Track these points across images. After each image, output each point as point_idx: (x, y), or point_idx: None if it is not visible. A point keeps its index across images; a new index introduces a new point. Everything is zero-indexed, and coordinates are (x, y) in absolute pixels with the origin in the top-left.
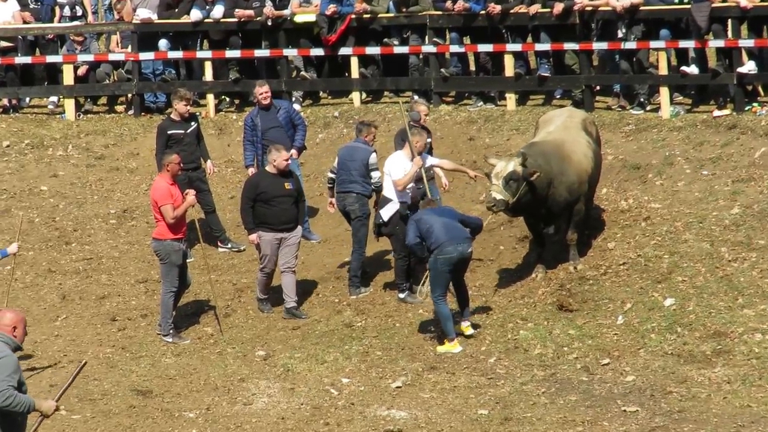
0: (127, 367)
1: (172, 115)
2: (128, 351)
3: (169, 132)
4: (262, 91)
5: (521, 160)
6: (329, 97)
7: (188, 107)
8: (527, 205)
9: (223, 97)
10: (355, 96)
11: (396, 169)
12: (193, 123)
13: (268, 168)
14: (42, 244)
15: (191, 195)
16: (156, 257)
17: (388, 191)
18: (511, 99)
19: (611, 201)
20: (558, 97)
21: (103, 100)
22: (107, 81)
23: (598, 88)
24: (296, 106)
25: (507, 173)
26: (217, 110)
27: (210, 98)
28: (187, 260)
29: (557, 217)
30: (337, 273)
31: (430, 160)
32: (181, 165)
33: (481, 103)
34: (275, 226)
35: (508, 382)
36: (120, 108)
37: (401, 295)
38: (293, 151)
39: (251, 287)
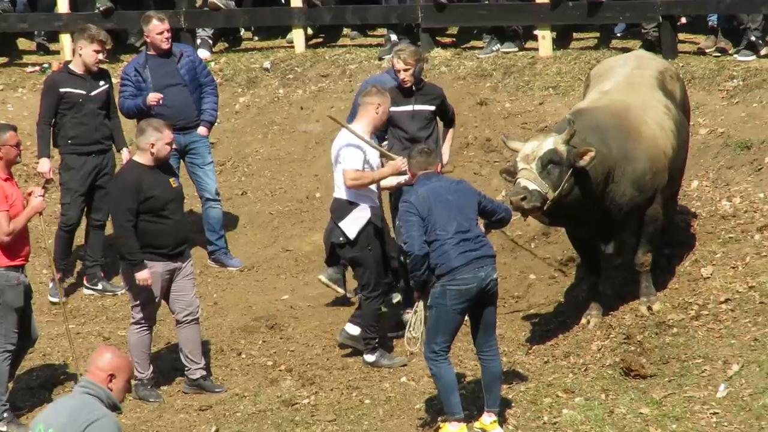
0: None
1: (71, 65)
2: None
3: (62, 90)
4: (162, 28)
5: (566, 134)
6: (256, 39)
7: (100, 56)
8: (573, 208)
9: None
10: (297, 36)
11: (351, 155)
12: (102, 83)
13: (140, 158)
14: None
15: (37, 195)
16: None
17: (344, 191)
18: (545, 39)
19: (706, 201)
20: (619, 35)
21: None
22: None
23: (683, 20)
24: (203, 54)
25: (545, 153)
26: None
27: (65, 41)
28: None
29: (620, 229)
30: (270, 318)
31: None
32: (19, 148)
33: (498, 45)
34: (168, 250)
35: None
36: None
37: (369, 358)
38: (201, 128)
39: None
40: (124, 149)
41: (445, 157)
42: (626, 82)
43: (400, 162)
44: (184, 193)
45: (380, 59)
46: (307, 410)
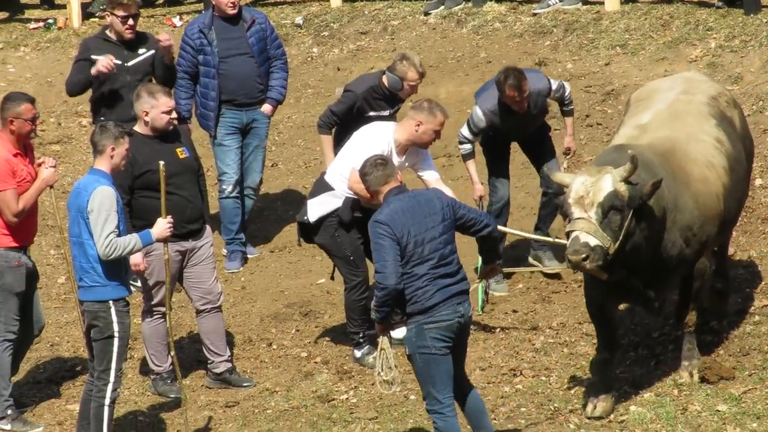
0: None
1: (108, 31)
2: None
3: (93, 57)
4: None
5: (626, 170)
6: None
7: (131, 23)
8: (630, 257)
9: None
10: None
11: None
12: (142, 50)
13: (138, 128)
14: None
15: (48, 166)
16: None
17: (334, 177)
18: None
19: None
20: None
21: None
22: None
23: None
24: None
25: (605, 198)
26: (86, 15)
27: None
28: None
29: (665, 283)
30: (304, 305)
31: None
32: (35, 122)
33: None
34: (176, 230)
35: None
36: None
37: (356, 353)
38: (266, 105)
39: None
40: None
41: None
42: (669, 111)
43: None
44: (197, 164)
45: (426, 14)
46: (346, 407)
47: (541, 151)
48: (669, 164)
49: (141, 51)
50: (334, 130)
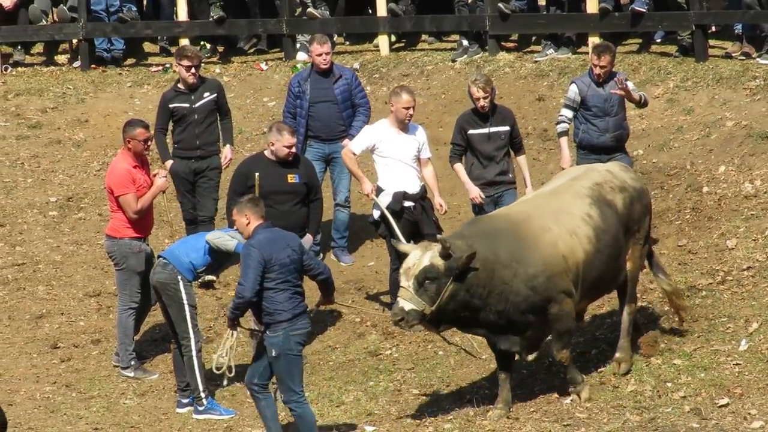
0: (74, 411)
1: (178, 83)
2: (75, 389)
3: (171, 105)
4: (321, 50)
5: (442, 250)
6: (347, 43)
7: (194, 71)
8: (458, 313)
9: (202, 43)
10: (382, 41)
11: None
12: (206, 94)
13: (266, 152)
14: None
15: (161, 176)
16: (110, 261)
17: (386, 177)
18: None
19: (731, 183)
20: (659, 41)
21: (39, 47)
22: (44, 22)
23: (714, 28)
24: (301, 56)
25: (420, 271)
26: None
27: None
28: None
29: (524, 327)
30: (358, 282)
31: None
32: (147, 143)
33: (553, 50)
34: None
35: (591, 431)
36: (62, 58)
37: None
38: (345, 140)
39: None
40: (228, 146)
41: (528, 185)
42: (551, 191)
43: (367, 187)
44: (306, 189)
45: (453, 61)
46: (389, 360)
47: None
48: (518, 230)
49: (205, 95)
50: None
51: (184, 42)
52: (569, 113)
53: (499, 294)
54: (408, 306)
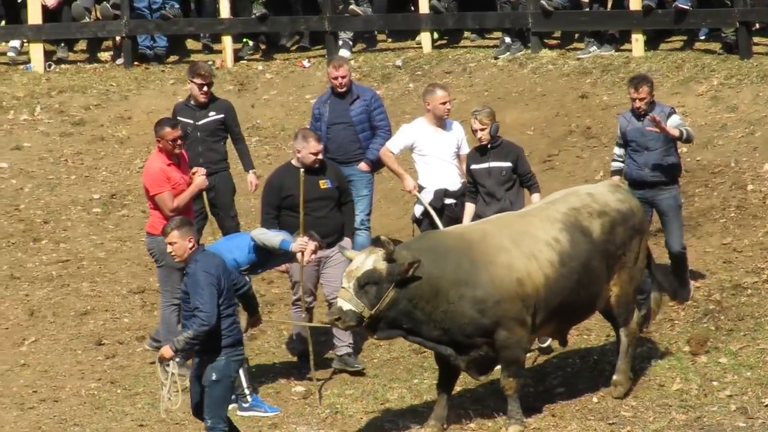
0: (119, 407)
1: (190, 98)
2: (120, 386)
3: (178, 118)
4: (336, 74)
5: (385, 253)
6: (389, 40)
7: (205, 89)
8: (398, 322)
9: (244, 40)
10: (424, 38)
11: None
12: (212, 113)
13: (293, 160)
14: (1, 241)
15: (200, 175)
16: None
17: (426, 175)
18: (638, 42)
19: None
20: (702, 38)
21: (82, 45)
22: (87, 19)
23: (758, 25)
24: (344, 53)
25: (362, 274)
26: (237, 58)
27: (227, 42)
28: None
29: (469, 347)
30: None
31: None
32: (176, 142)
33: (596, 47)
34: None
35: (636, 430)
36: (105, 56)
37: None
38: (362, 164)
39: (285, 299)
40: (250, 172)
41: None
42: (521, 213)
43: (409, 184)
44: (338, 194)
45: (495, 58)
46: (433, 358)
47: None
48: (472, 250)
49: (211, 114)
50: None
51: (227, 39)
52: (619, 150)
53: (444, 312)
54: (346, 306)
